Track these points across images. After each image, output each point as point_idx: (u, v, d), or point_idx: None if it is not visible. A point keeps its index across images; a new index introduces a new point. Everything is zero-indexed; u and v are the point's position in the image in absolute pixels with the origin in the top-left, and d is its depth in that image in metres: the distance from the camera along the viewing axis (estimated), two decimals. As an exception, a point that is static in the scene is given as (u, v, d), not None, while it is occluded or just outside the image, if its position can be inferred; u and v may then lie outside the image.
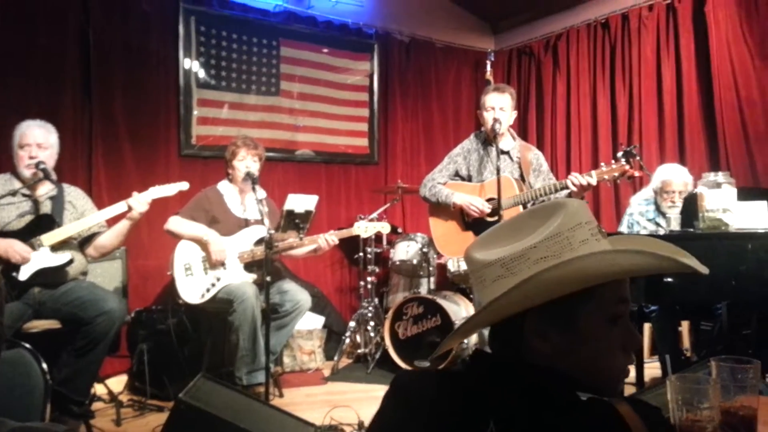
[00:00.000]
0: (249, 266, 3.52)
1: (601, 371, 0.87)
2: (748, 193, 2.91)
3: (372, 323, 4.45)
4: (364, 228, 3.79)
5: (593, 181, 2.92)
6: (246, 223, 3.61)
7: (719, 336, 2.65)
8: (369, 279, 4.53)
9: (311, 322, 4.38)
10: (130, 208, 3.00)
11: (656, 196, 3.68)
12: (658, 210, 3.66)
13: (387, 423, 0.87)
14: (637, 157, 3.88)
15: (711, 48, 4.27)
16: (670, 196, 3.57)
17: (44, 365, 1.59)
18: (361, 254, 4.59)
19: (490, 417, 0.77)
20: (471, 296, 4.26)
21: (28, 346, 1.60)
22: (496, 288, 0.87)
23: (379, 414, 0.91)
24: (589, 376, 0.86)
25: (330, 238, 3.59)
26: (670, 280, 2.48)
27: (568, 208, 0.88)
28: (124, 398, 3.44)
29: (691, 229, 2.94)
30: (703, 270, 0.88)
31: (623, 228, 3.78)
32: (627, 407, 0.81)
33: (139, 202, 3.01)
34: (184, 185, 3.23)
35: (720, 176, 2.92)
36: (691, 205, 3.01)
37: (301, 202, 3.51)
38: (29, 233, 2.90)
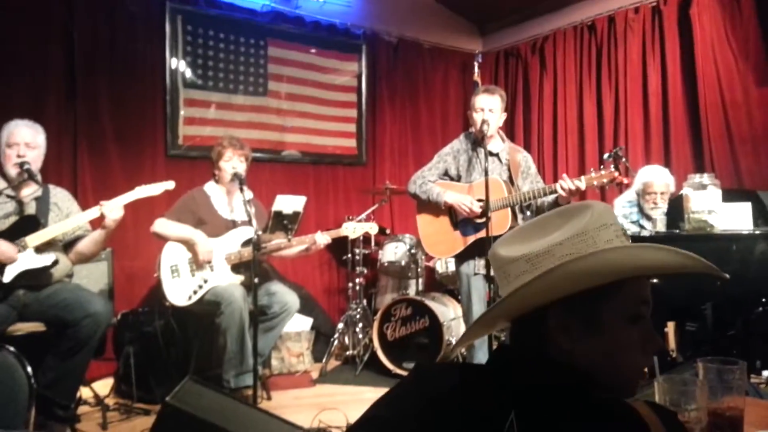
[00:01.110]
0: (236, 268, 3.50)
1: (618, 369, 0.88)
2: (732, 194, 2.94)
3: (360, 325, 4.45)
4: (353, 229, 3.78)
5: (582, 186, 2.94)
6: (233, 224, 3.59)
7: (705, 337, 2.68)
8: (357, 280, 4.53)
9: (299, 323, 4.36)
10: (103, 216, 2.97)
11: (639, 198, 3.71)
12: (642, 212, 3.68)
13: (407, 410, 0.86)
14: (623, 159, 3.92)
15: (696, 50, 4.32)
16: (652, 197, 3.60)
17: (29, 368, 1.58)
18: (349, 255, 4.59)
19: (511, 410, 0.78)
20: (459, 297, 4.27)
21: (12, 349, 1.58)
22: (519, 283, 0.88)
23: (394, 400, 0.90)
24: (607, 373, 0.87)
25: (322, 238, 3.58)
26: (655, 281, 2.50)
27: (594, 209, 0.90)
28: (110, 401, 3.40)
29: (677, 230, 2.97)
30: (724, 276, 0.91)
31: None
32: (647, 409, 0.82)
33: (111, 208, 2.96)
34: (169, 184, 3.21)
35: (705, 178, 2.94)
36: (677, 207, 3.04)
37: (289, 203, 3.50)
38: (13, 234, 2.86)
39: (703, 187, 2.92)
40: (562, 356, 0.87)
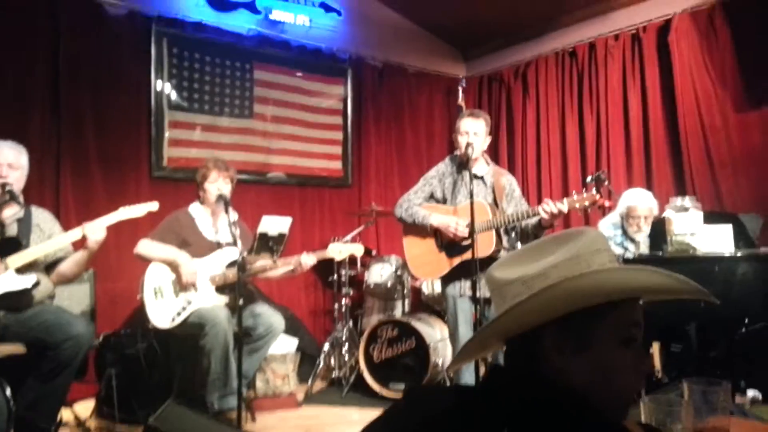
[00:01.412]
0: (221, 289, 3.47)
1: (611, 390, 0.89)
2: (713, 216, 3.00)
3: (346, 346, 4.42)
4: (338, 250, 3.77)
5: (564, 209, 2.97)
6: (218, 245, 3.57)
7: (689, 357, 2.71)
8: (343, 301, 4.52)
9: (285, 345, 4.32)
10: (84, 237, 2.94)
11: (623, 220, 3.75)
12: (626, 234, 3.72)
13: None
14: (606, 182, 3.98)
15: (675, 76, 4.42)
16: (635, 221, 3.62)
17: (8, 391, 1.55)
18: (335, 277, 4.58)
19: (505, 429, 0.79)
20: (445, 319, 4.27)
21: (-8, 372, 1.55)
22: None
23: (388, 423, 0.91)
24: (599, 394, 0.88)
25: (308, 259, 3.56)
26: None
27: (588, 234, 0.94)
28: (91, 424, 3.34)
29: (660, 253, 3.01)
30: (715, 300, 0.95)
31: None
32: (639, 429, 0.83)
33: (93, 230, 2.94)
34: (153, 205, 3.19)
35: (687, 200, 3.00)
36: (659, 229, 3.08)
37: (274, 225, 3.49)
38: (-6, 256, 2.82)
39: (685, 209, 2.97)
40: (555, 376, 0.88)
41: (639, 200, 3.67)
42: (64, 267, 3.03)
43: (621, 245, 3.69)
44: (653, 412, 1.19)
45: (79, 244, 3.02)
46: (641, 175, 4.63)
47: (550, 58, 5.36)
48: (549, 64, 5.36)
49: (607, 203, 3.05)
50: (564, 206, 2.97)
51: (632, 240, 3.63)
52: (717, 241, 2.82)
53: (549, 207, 2.97)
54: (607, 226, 3.84)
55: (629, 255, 3.39)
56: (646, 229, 3.53)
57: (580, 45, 5.11)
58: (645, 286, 0.91)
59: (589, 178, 3.99)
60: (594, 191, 2.98)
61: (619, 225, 3.78)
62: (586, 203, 2.96)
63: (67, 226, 3.27)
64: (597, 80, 4.96)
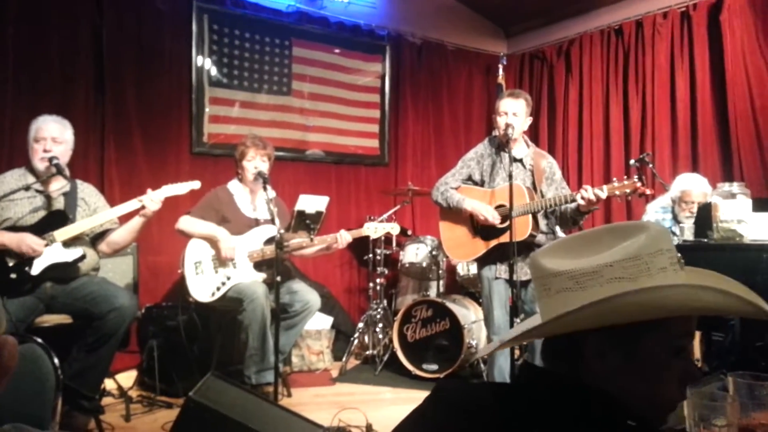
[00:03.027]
0: (259, 266, 3.53)
1: (653, 400, 0.85)
2: (763, 203, 2.89)
3: (380, 325, 4.46)
4: (374, 229, 3.79)
5: (603, 196, 2.90)
6: (256, 222, 3.61)
7: (732, 347, 2.64)
8: (378, 280, 4.54)
9: (320, 322, 4.39)
10: (143, 206, 3.02)
11: (674, 205, 3.66)
12: (675, 219, 3.63)
13: None
14: (650, 165, 3.87)
15: (726, 56, 4.26)
16: (688, 206, 3.54)
17: (56, 360, 1.60)
18: (370, 255, 4.60)
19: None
20: (480, 300, 4.25)
21: (40, 340, 1.60)
22: (560, 299, 0.84)
23: (421, 423, 0.88)
24: (640, 402, 0.85)
25: (345, 236, 3.58)
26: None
27: (650, 231, 0.86)
28: (133, 394, 3.46)
29: (705, 240, 2.93)
30: None
31: None
32: None
33: (153, 200, 3.02)
34: (195, 184, 3.24)
35: (735, 186, 2.90)
36: (704, 216, 2.99)
37: (312, 203, 3.51)
38: (42, 229, 2.91)
39: (733, 195, 2.87)
40: (595, 380, 0.84)
41: (694, 184, 3.58)
42: (117, 235, 3.12)
43: (669, 230, 3.60)
44: (696, 407, 1.16)
45: (126, 217, 3.10)
46: (687, 159, 4.49)
47: (595, 35, 5.20)
48: (594, 42, 5.20)
49: (648, 191, 2.97)
50: (603, 193, 2.90)
51: (680, 224, 3.54)
52: (766, 229, 2.72)
53: (587, 194, 2.91)
54: (656, 209, 3.75)
55: (675, 240, 3.30)
56: None
57: (627, 22, 4.94)
58: (710, 308, 0.83)
59: (632, 161, 3.89)
60: (636, 178, 2.90)
61: (669, 209, 3.68)
62: (627, 191, 2.88)
63: (110, 199, 3.37)
64: (643, 59, 4.80)
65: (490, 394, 0.90)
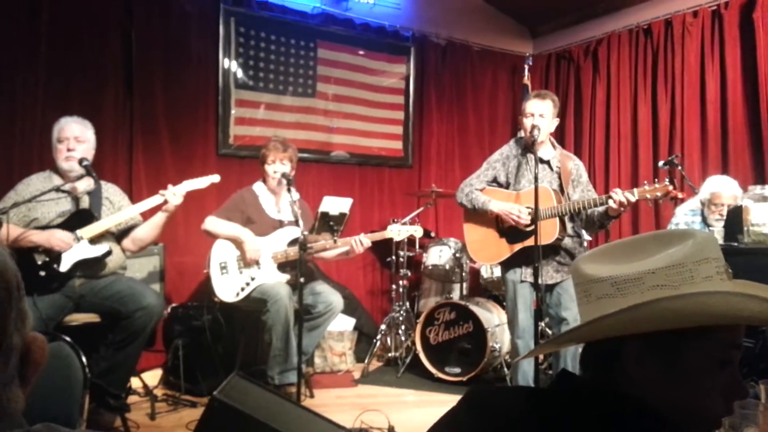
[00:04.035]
0: (282, 267, 3.55)
1: (695, 413, 0.82)
2: (796, 208, 2.81)
3: (403, 327, 4.45)
4: (397, 231, 3.78)
5: (633, 199, 2.86)
6: (280, 223, 3.64)
7: (762, 354, 2.57)
8: (401, 282, 4.53)
9: (342, 323, 4.39)
10: (165, 201, 3.06)
11: (704, 207, 3.59)
12: (705, 221, 3.56)
13: None
14: (679, 168, 3.80)
15: (758, 56, 4.15)
16: (718, 208, 3.47)
17: (84, 358, 1.63)
18: (393, 257, 4.59)
19: None
20: (504, 303, 4.22)
21: (68, 339, 1.63)
22: (601, 306, 0.83)
23: (455, 428, 0.87)
24: (680, 414, 0.82)
25: (363, 240, 3.59)
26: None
27: (696, 238, 0.83)
28: (158, 392, 3.50)
29: (735, 243, 2.86)
30: None
31: None
32: None
33: (174, 194, 3.06)
34: (215, 177, 3.27)
35: (766, 189, 2.83)
36: (735, 219, 2.93)
37: (335, 205, 3.52)
38: (68, 227, 2.96)
39: (764, 199, 2.81)
40: (633, 388, 0.82)
41: (724, 187, 3.51)
42: (141, 231, 3.17)
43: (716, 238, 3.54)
44: (727, 415, 1.13)
45: (150, 213, 3.14)
46: (717, 161, 4.39)
47: (623, 35, 5.12)
48: (622, 41, 5.12)
49: (680, 195, 2.91)
50: (633, 196, 2.85)
51: (710, 227, 3.47)
52: (799, 233, 2.66)
53: (618, 197, 2.86)
54: (685, 211, 3.69)
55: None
56: None
57: (656, 22, 4.86)
58: (755, 317, 0.79)
59: (661, 163, 3.83)
60: (667, 181, 2.84)
61: (699, 212, 3.62)
62: (658, 194, 2.83)
63: (138, 198, 3.42)
64: (673, 60, 4.71)
65: (526, 401, 0.88)
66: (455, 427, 0.87)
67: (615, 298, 0.82)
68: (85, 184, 3.13)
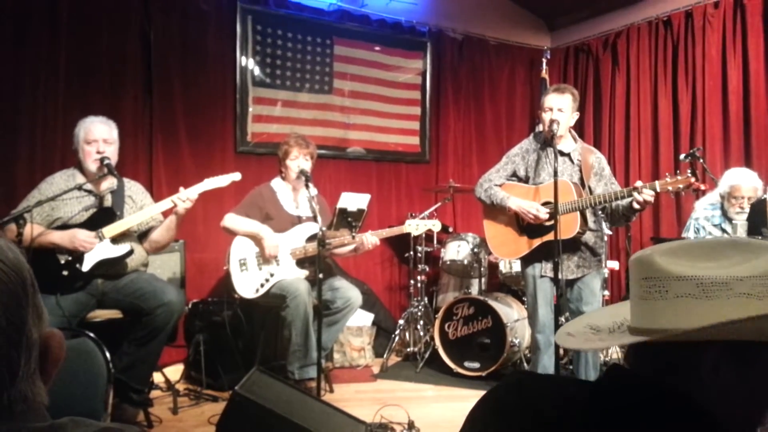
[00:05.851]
0: (301, 263, 3.57)
1: (756, 427, 0.80)
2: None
3: (421, 322, 4.45)
4: (415, 225, 3.78)
5: (654, 193, 2.83)
6: (299, 220, 3.66)
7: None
8: (419, 278, 4.53)
9: (361, 319, 4.41)
10: (175, 205, 3.08)
11: (723, 200, 3.54)
12: (725, 215, 3.51)
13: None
14: (701, 160, 3.75)
15: (782, 47, 4.08)
16: (738, 201, 3.41)
17: (107, 354, 1.65)
18: (411, 253, 4.59)
19: None
20: (523, 299, 4.20)
21: (92, 335, 1.66)
22: (681, 305, 0.80)
23: (500, 416, 0.86)
24: (745, 427, 0.80)
25: (370, 238, 3.58)
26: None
27: None
28: (180, 387, 3.54)
29: (759, 237, 2.82)
30: None
31: (689, 233, 3.65)
32: None
33: (182, 200, 3.05)
34: (236, 176, 3.28)
35: (791, 182, 2.78)
36: (758, 212, 2.88)
37: (353, 201, 3.53)
38: (91, 226, 2.98)
39: (789, 191, 2.76)
40: (703, 395, 0.79)
41: (743, 179, 3.45)
42: (156, 234, 3.19)
43: (719, 227, 3.49)
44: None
45: (169, 211, 3.17)
46: (739, 153, 4.33)
47: (643, 27, 5.05)
48: (641, 34, 5.06)
49: (702, 186, 2.87)
50: (656, 189, 2.82)
51: (731, 221, 3.42)
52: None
53: (641, 196, 2.83)
54: (705, 206, 3.64)
55: (726, 237, 3.18)
56: (749, 210, 3.31)
57: (676, 13, 4.79)
58: None
59: (683, 156, 3.78)
60: (689, 173, 2.80)
61: (719, 205, 3.56)
62: (680, 186, 2.79)
63: (158, 197, 3.45)
64: (693, 51, 4.64)
65: (578, 394, 0.86)
66: (500, 408, 0.86)
67: (699, 300, 0.79)
68: (109, 183, 3.17)
